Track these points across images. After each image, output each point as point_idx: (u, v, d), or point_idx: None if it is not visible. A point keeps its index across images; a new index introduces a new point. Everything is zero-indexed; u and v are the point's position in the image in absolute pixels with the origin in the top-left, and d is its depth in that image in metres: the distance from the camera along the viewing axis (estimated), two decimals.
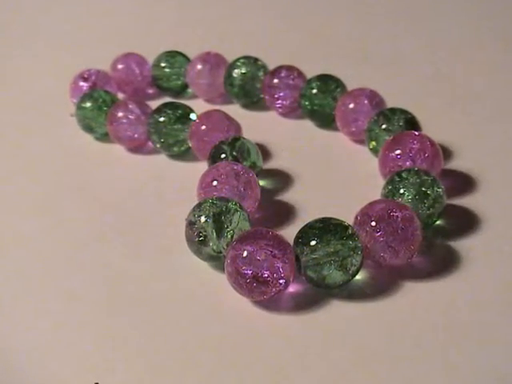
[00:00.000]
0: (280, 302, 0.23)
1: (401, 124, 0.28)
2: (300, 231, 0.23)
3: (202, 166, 0.28)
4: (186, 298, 0.23)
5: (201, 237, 0.23)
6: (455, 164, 0.29)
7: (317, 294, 0.23)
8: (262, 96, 0.34)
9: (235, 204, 0.24)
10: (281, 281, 0.22)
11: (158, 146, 0.31)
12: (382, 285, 0.23)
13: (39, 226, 0.27)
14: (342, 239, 0.22)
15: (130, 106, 0.31)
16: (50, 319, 0.23)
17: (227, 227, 0.23)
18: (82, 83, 0.34)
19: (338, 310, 0.22)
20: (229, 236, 0.23)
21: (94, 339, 0.22)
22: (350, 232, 0.22)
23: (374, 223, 0.23)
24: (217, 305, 0.23)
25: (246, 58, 0.35)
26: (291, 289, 0.23)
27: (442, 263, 0.24)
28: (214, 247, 0.23)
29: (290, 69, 0.33)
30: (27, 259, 0.26)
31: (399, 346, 0.21)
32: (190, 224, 0.24)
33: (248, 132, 0.30)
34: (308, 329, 0.22)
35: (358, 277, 0.23)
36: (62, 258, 0.26)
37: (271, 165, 0.30)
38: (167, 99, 0.35)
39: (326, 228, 0.22)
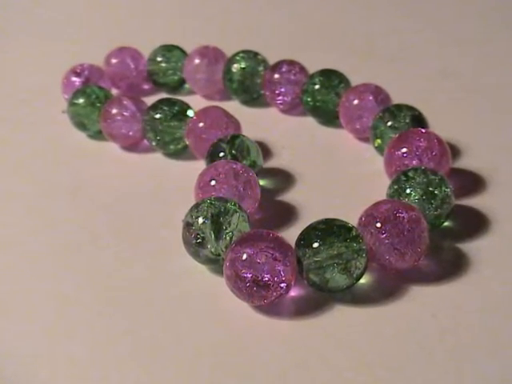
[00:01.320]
0: (281, 307, 0.23)
1: (407, 121, 0.28)
2: (302, 233, 0.23)
3: (200, 165, 0.28)
4: (183, 302, 0.23)
5: (198, 239, 0.23)
6: (464, 163, 0.29)
7: (319, 298, 0.23)
8: (262, 92, 0.34)
9: (234, 204, 0.24)
10: (282, 284, 0.22)
11: (154, 143, 0.31)
12: (388, 289, 0.23)
13: (29, 227, 0.27)
14: (346, 241, 0.22)
15: (125, 103, 0.31)
16: (41, 324, 0.23)
17: (226, 229, 0.23)
18: (74, 78, 0.34)
19: (341, 315, 0.22)
20: (228, 238, 0.23)
21: (87, 345, 0.22)
22: (354, 234, 0.22)
23: (379, 224, 0.23)
24: (215, 310, 0.23)
25: (246, 52, 0.34)
26: (293, 293, 0.23)
27: (450, 266, 0.24)
28: (213, 249, 0.23)
29: (291, 63, 0.33)
30: (17, 262, 0.25)
31: (405, 352, 0.21)
32: (188, 225, 0.23)
33: (248, 129, 0.30)
34: (310, 334, 0.22)
35: (362, 280, 0.23)
36: (54, 261, 0.25)
37: (272, 164, 0.30)
38: (163, 95, 0.35)
39: (329, 229, 0.22)
